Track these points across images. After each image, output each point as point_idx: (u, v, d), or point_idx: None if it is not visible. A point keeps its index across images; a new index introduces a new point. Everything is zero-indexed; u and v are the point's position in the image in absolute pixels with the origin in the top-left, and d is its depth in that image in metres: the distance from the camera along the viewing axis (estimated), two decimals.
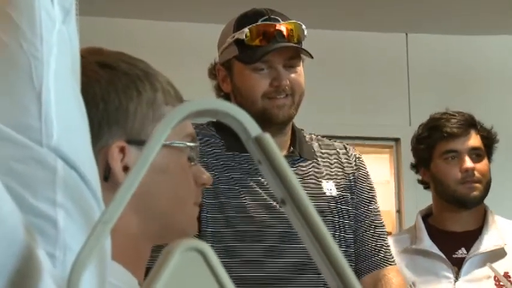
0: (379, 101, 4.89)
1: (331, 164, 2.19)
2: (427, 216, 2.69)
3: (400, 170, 4.75)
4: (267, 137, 0.60)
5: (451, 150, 2.55)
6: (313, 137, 2.25)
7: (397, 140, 4.84)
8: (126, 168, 1.08)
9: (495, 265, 2.51)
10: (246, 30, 2.07)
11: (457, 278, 2.51)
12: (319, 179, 2.14)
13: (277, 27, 2.07)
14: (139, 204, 1.08)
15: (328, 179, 2.16)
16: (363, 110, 4.87)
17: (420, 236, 2.60)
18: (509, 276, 2.51)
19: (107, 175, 1.07)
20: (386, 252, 2.21)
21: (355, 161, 2.23)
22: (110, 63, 1.12)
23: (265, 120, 2.04)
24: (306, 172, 2.13)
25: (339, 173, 2.18)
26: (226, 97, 2.16)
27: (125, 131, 1.09)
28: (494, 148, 2.65)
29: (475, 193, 2.54)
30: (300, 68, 2.13)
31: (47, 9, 0.79)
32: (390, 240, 2.65)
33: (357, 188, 2.20)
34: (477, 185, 2.54)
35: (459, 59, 4.98)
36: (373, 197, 2.24)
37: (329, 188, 2.14)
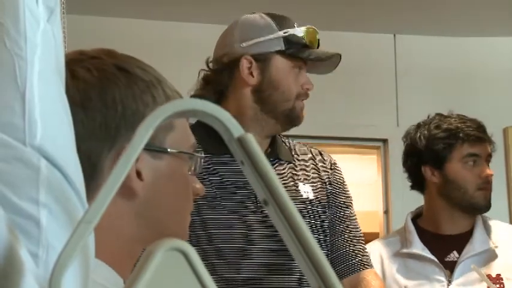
0: (366, 101, 4.90)
1: (308, 168, 2.20)
2: (416, 217, 2.68)
3: (388, 170, 4.76)
4: (250, 137, 0.61)
5: (473, 154, 2.52)
6: (290, 141, 2.26)
7: (384, 141, 4.85)
8: (138, 173, 1.08)
9: (487, 268, 2.51)
10: (304, 29, 2.14)
11: (449, 281, 2.50)
12: (296, 182, 2.15)
13: (317, 36, 2.18)
14: (142, 208, 1.08)
15: (305, 181, 2.17)
16: (350, 111, 4.87)
17: (411, 239, 2.58)
18: (501, 278, 2.50)
19: None
20: (363, 256, 2.21)
21: (330, 166, 2.24)
22: (126, 68, 1.12)
23: (290, 119, 2.10)
24: (283, 174, 2.14)
25: (315, 177, 2.20)
26: (221, 92, 2.15)
27: None
28: None
29: (489, 200, 2.53)
30: None
31: (31, 8, 0.78)
32: (380, 243, 2.64)
33: (332, 193, 2.21)
34: (490, 192, 2.54)
35: (447, 60, 4.99)
36: (349, 202, 2.25)
37: (306, 190, 2.15)
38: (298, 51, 2.12)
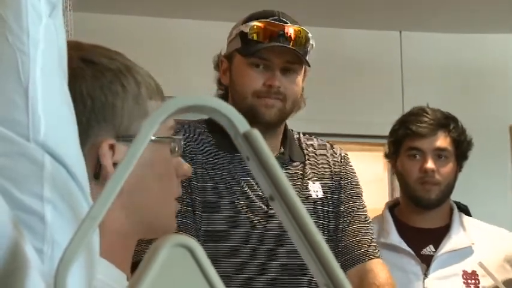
0: (373, 98, 4.89)
1: (318, 164, 2.19)
2: (393, 206, 2.68)
3: None
4: (256, 133, 0.60)
5: (415, 148, 2.54)
6: (301, 136, 2.24)
7: None
8: (115, 165, 1.07)
9: (463, 263, 2.52)
10: (251, 24, 2.06)
11: (425, 275, 2.50)
12: (306, 181, 2.14)
13: (282, 28, 2.07)
14: (127, 199, 1.08)
15: (314, 180, 2.15)
16: (356, 108, 4.87)
17: (387, 229, 2.59)
18: (477, 275, 2.51)
19: (97, 173, 1.07)
20: (369, 246, 2.17)
21: (341, 159, 2.22)
22: (92, 59, 1.10)
23: (252, 117, 2.02)
24: (293, 173, 2.12)
25: (325, 173, 2.18)
26: (226, 90, 2.15)
27: (114, 127, 1.08)
28: (467, 150, 2.60)
29: (431, 196, 2.53)
30: (298, 77, 2.11)
31: (33, 3, 0.78)
32: None
33: (341, 185, 2.19)
34: (435, 187, 2.52)
35: (453, 57, 4.98)
36: (358, 193, 2.22)
37: (315, 189, 2.13)
38: (246, 47, 2.07)
